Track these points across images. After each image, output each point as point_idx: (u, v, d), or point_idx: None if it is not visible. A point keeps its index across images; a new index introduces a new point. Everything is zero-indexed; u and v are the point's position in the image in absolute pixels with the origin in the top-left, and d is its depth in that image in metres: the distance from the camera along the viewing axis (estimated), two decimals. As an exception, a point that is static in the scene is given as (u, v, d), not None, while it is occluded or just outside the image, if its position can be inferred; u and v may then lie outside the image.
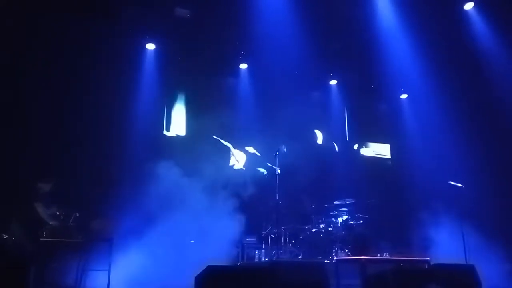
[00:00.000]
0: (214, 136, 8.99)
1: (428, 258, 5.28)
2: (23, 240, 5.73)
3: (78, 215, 6.43)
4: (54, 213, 6.38)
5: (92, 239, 6.13)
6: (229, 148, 9.23)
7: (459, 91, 9.04)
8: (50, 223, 6.26)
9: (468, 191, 6.99)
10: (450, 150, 8.74)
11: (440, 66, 9.02)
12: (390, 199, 9.16)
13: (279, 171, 7.07)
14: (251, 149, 9.12)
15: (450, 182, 7.11)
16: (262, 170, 8.56)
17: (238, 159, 9.25)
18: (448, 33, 8.68)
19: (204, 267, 3.99)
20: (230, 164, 9.23)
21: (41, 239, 5.91)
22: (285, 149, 7.25)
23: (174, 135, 9.23)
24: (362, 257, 5.42)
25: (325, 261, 6.52)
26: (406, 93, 10.72)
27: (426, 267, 5.17)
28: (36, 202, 6.35)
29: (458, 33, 8.62)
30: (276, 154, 7.22)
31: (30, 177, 6.60)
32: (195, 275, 3.94)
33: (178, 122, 9.33)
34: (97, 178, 7.36)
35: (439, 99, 9.24)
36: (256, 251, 7.91)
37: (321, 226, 7.80)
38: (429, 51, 8.88)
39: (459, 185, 7.00)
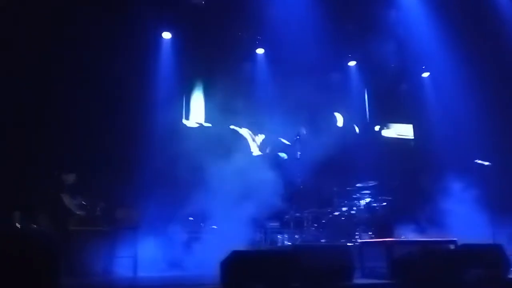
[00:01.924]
0: (231, 126, 9.00)
1: (455, 239, 5.19)
2: (52, 230, 5.88)
3: (104, 204, 6.57)
4: (80, 203, 6.53)
5: (118, 227, 6.26)
6: (248, 135, 9.22)
7: (483, 66, 8.75)
8: (77, 213, 6.42)
9: (495, 170, 6.82)
10: (475, 128, 8.51)
11: (463, 41, 8.74)
12: (413, 180, 9.01)
13: (299, 154, 7.04)
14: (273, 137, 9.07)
15: (476, 160, 6.94)
16: (282, 154, 8.53)
17: (258, 145, 9.24)
18: (470, 6, 8.38)
19: (229, 252, 4.03)
20: (251, 150, 9.23)
21: (69, 228, 6.08)
22: (304, 132, 7.20)
23: (194, 123, 9.26)
24: (387, 239, 5.37)
25: (349, 244, 6.48)
26: (428, 71, 10.45)
27: (453, 247, 5.08)
28: (63, 193, 6.50)
29: (481, 6, 8.32)
30: (296, 138, 7.18)
31: (57, 169, 6.74)
32: (220, 261, 3.99)
33: (197, 110, 9.35)
34: (121, 167, 7.47)
35: (462, 76, 8.97)
36: (279, 235, 7.93)
37: (344, 209, 7.75)
38: (451, 25, 8.61)
39: (486, 163, 6.83)
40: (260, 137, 9.33)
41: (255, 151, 9.26)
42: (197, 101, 9.41)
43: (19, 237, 3.96)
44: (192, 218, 7.29)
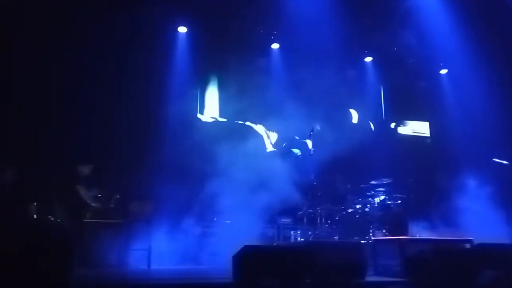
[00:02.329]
0: (246, 123, 8.99)
1: (471, 238, 5.10)
2: (67, 221, 5.97)
3: (118, 197, 6.65)
4: (95, 195, 6.62)
5: (133, 220, 6.33)
6: (263, 132, 9.20)
7: (502, 64, 8.56)
8: (92, 205, 6.50)
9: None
10: (493, 126, 8.34)
11: (481, 38, 8.55)
12: (428, 178, 8.89)
13: (312, 151, 7.00)
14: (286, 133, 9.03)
15: (494, 159, 6.80)
16: (296, 150, 8.48)
17: (272, 141, 9.22)
18: (490, 3, 8.19)
19: (241, 246, 4.03)
20: (266, 146, 9.22)
21: (84, 220, 6.17)
22: (318, 128, 7.15)
23: (209, 118, 9.28)
24: (401, 237, 5.31)
25: (362, 242, 6.43)
26: (445, 68, 10.27)
27: (469, 246, 5.00)
28: (78, 185, 6.59)
29: (499, 2, 8.12)
30: (310, 134, 7.14)
31: (72, 161, 6.83)
32: (232, 255, 3.99)
33: (211, 105, 9.37)
34: (136, 160, 7.54)
35: (481, 73, 8.79)
36: (292, 231, 7.92)
37: (358, 206, 7.68)
38: (469, 22, 8.43)
39: (504, 162, 6.69)
40: (275, 134, 9.31)
41: (269, 148, 9.24)
42: (212, 96, 9.42)
43: (35, 228, 4.01)
44: (216, 219, 7.32)
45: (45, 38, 7.37)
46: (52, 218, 5.85)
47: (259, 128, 9.24)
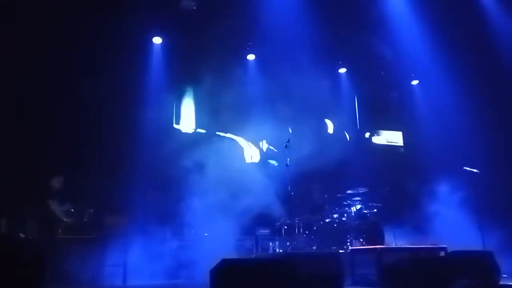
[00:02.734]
0: (217, 133, 8.96)
1: (445, 246, 5.20)
2: (39, 237, 5.78)
3: (92, 211, 6.48)
4: (68, 210, 6.44)
5: (107, 235, 6.17)
6: (244, 144, 9.19)
7: (472, 74, 8.84)
8: (65, 220, 6.32)
9: (483, 177, 6.87)
10: (464, 135, 8.58)
11: (452, 50, 8.83)
12: (403, 187, 9.06)
13: (288, 161, 7.04)
14: (264, 144, 9.06)
15: (465, 167, 6.99)
16: (272, 162, 8.50)
17: (251, 152, 9.21)
18: (458, 15, 8.48)
19: (219, 260, 3.98)
20: (245, 157, 9.20)
21: (56, 236, 5.98)
22: (290, 130, 7.17)
23: (184, 129, 9.20)
24: (377, 246, 5.36)
25: (340, 251, 6.46)
26: (417, 79, 10.55)
27: (443, 254, 5.09)
28: (50, 199, 6.40)
29: (469, 14, 8.42)
30: (287, 145, 7.17)
31: (44, 175, 6.64)
32: (210, 269, 3.94)
33: (187, 116, 9.31)
34: (110, 174, 7.39)
35: (452, 84, 9.06)
36: (270, 242, 7.90)
37: (335, 216, 7.74)
38: (440, 34, 8.70)
39: (475, 170, 6.88)
40: (255, 145, 9.31)
41: (249, 159, 9.22)
42: (188, 107, 9.36)
43: (4, 244, 3.85)
44: (192, 231, 7.23)
45: (23, 46, 7.18)
46: (23, 234, 5.65)
47: (240, 140, 9.23)
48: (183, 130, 9.16)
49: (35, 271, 3.60)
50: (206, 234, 7.20)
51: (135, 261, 6.36)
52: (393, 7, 8.99)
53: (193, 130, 9.21)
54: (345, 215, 7.74)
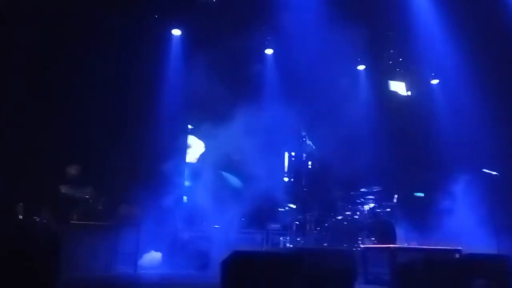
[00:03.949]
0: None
1: (460, 248, 5.12)
2: (54, 223, 5.86)
3: (106, 199, 6.55)
4: (83, 197, 6.51)
5: (121, 224, 6.24)
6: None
7: (492, 72, 8.64)
8: (80, 206, 6.40)
9: (503, 179, 6.73)
10: (484, 137, 8.41)
11: (473, 50, 8.65)
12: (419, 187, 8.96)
13: (304, 156, 7.00)
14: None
15: (484, 170, 6.86)
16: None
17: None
18: (480, 14, 8.29)
19: (230, 252, 3.98)
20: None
21: (71, 221, 6.06)
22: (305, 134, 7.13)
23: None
24: (391, 245, 5.31)
25: (352, 249, 6.42)
26: (437, 78, 10.38)
27: (458, 256, 5.01)
28: (66, 186, 6.48)
29: (491, 13, 8.23)
30: (302, 141, 7.14)
31: (60, 162, 6.73)
32: (221, 260, 3.94)
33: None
34: (126, 165, 7.45)
35: (471, 82, 8.87)
36: (281, 237, 7.89)
37: (347, 213, 7.69)
38: (461, 34, 8.54)
39: (494, 173, 6.74)
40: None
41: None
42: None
43: (22, 229, 3.92)
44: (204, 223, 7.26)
45: (33, 40, 7.26)
46: (39, 219, 5.74)
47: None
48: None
49: (51, 255, 3.66)
50: (216, 226, 7.22)
51: (147, 250, 6.43)
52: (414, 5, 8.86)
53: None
54: (358, 213, 7.68)
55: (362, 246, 6.51)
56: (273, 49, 9.57)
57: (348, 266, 4.48)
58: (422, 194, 7.62)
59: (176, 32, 8.91)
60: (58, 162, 6.76)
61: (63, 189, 6.41)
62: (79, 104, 7.43)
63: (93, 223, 6.14)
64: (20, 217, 5.79)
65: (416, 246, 5.84)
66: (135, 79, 7.95)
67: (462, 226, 6.92)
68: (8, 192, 6.11)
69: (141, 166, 7.60)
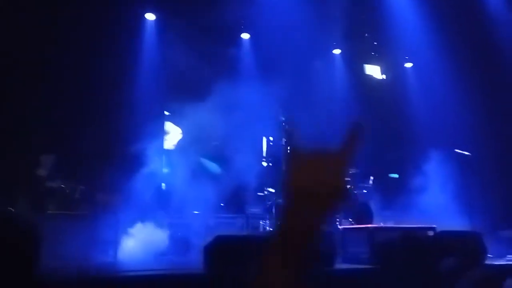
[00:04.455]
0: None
1: (434, 226, 5.31)
2: (29, 213, 5.74)
3: (83, 188, 6.44)
4: (59, 186, 6.38)
5: (99, 212, 6.15)
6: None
7: (466, 57, 8.86)
8: (56, 196, 6.27)
9: (474, 160, 6.97)
10: (455, 116, 8.66)
11: (447, 33, 8.82)
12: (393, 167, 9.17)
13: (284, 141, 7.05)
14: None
15: (456, 150, 7.08)
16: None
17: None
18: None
19: (213, 237, 4.01)
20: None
21: (47, 211, 5.94)
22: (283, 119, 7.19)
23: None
24: (369, 225, 5.45)
25: (332, 230, 6.56)
26: (411, 62, 10.56)
27: (432, 233, 5.20)
28: (41, 175, 6.34)
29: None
30: (281, 125, 7.18)
31: (36, 151, 6.56)
32: (204, 245, 3.97)
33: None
34: (102, 151, 7.33)
35: (445, 65, 9.07)
36: (261, 221, 7.96)
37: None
38: (433, 14, 8.68)
39: (466, 153, 6.97)
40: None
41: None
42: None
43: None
44: (197, 212, 7.25)
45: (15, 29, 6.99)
46: (14, 210, 5.60)
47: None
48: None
49: (29, 246, 3.59)
50: (196, 212, 7.23)
51: (127, 238, 6.38)
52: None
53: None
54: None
55: (340, 227, 6.66)
56: (249, 33, 9.51)
57: (328, 247, 4.59)
58: (396, 175, 7.83)
59: (150, 16, 8.73)
60: (31, 150, 6.59)
61: (39, 179, 6.27)
62: (51, 89, 7.23)
63: (70, 212, 6.04)
64: (-6, 208, 5.64)
65: (393, 226, 6.03)
66: (109, 63, 7.77)
67: (436, 204, 7.16)
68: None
69: (117, 151, 7.48)
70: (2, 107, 6.92)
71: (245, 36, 9.56)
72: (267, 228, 7.74)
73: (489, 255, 4.79)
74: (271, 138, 8.28)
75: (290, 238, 0.98)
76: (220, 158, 8.19)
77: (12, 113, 6.98)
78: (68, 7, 7.40)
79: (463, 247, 4.61)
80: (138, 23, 8.64)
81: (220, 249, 3.99)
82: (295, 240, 0.98)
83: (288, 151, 1.03)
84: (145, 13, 8.68)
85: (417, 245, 4.54)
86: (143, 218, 6.81)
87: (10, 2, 7.04)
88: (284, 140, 7.13)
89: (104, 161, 7.12)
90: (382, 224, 6.69)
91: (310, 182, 0.96)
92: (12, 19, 7.03)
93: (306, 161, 0.99)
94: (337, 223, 7.13)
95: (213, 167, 8.35)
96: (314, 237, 0.99)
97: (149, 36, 8.68)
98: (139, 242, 6.56)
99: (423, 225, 5.53)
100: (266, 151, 8.38)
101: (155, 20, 8.76)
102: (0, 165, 6.31)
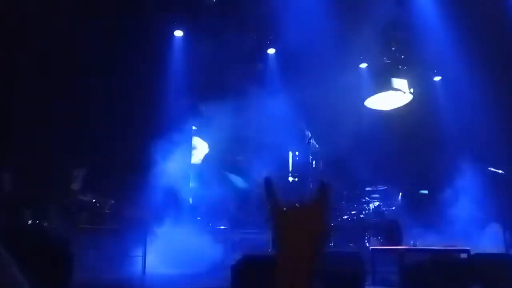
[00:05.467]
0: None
1: (468, 248, 5.13)
2: (62, 227, 5.88)
3: (113, 202, 6.58)
4: (90, 200, 6.54)
5: (128, 226, 6.26)
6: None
7: (498, 72, 8.62)
8: (87, 210, 6.42)
9: (509, 178, 6.73)
10: (489, 135, 8.39)
11: (476, 45, 8.61)
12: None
13: (311, 158, 7.01)
14: None
15: (490, 168, 6.86)
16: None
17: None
18: (481, 8, 8.27)
19: (240, 256, 3.99)
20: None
21: (79, 226, 6.08)
22: (309, 134, 7.14)
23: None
24: (399, 247, 5.33)
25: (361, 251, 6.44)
26: (439, 75, 10.36)
27: (466, 256, 5.03)
28: (73, 190, 6.50)
29: (492, 8, 8.21)
30: (308, 142, 7.16)
31: (67, 166, 6.75)
32: (231, 264, 3.95)
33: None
34: (131, 166, 7.47)
35: (476, 80, 8.84)
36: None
37: (353, 213, 7.71)
38: (462, 29, 8.52)
39: (500, 171, 6.75)
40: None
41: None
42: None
43: (30, 234, 3.92)
44: (210, 224, 7.28)
45: (38, 40, 7.25)
46: (47, 224, 5.76)
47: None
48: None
49: (63, 260, 3.68)
50: (222, 227, 7.25)
51: (155, 251, 6.45)
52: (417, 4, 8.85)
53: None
54: (363, 212, 7.71)
55: (370, 247, 6.53)
56: (275, 48, 9.56)
57: (357, 268, 4.50)
58: (426, 192, 7.65)
59: (178, 33, 8.91)
60: (64, 166, 6.78)
61: (71, 193, 6.44)
62: (84, 105, 7.44)
63: (100, 226, 6.17)
64: (28, 222, 5.81)
65: (424, 247, 5.86)
66: (138, 81, 7.95)
67: (468, 222, 6.93)
68: (15, 196, 6.13)
69: (146, 166, 7.60)
70: (37, 124, 7.17)
71: (271, 51, 9.61)
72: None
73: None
74: (297, 153, 8.27)
75: (287, 264, 1.07)
76: (245, 172, 8.22)
77: (46, 129, 7.22)
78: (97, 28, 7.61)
79: (498, 273, 4.45)
80: (167, 41, 8.82)
81: (248, 268, 3.98)
82: (293, 266, 1.06)
83: (270, 207, 1.12)
84: (174, 30, 8.86)
85: (448, 269, 4.42)
86: (170, 232, 6.87)
87: (50, 21, 7.29)
88: (310, 156, 7.09)
89: (133, 176, 7.25)
90: (412, 243, 6.52)
91: (296, 233, 1.07)
92: (50, 40, 7.30)
93: (288, 215, 1.10)
94: (365, 241, 7.02)
95: (239, 181, 8.39)
96: (312, 263, 1.05)
97: (177, 53, 8.85)
98: (167, 257, 6.61)
99: (456, 247, 5.36)
100: (292, 165, 8.36)
101: (183, 36, 8.92)
102: (33, 179, 6.52)
